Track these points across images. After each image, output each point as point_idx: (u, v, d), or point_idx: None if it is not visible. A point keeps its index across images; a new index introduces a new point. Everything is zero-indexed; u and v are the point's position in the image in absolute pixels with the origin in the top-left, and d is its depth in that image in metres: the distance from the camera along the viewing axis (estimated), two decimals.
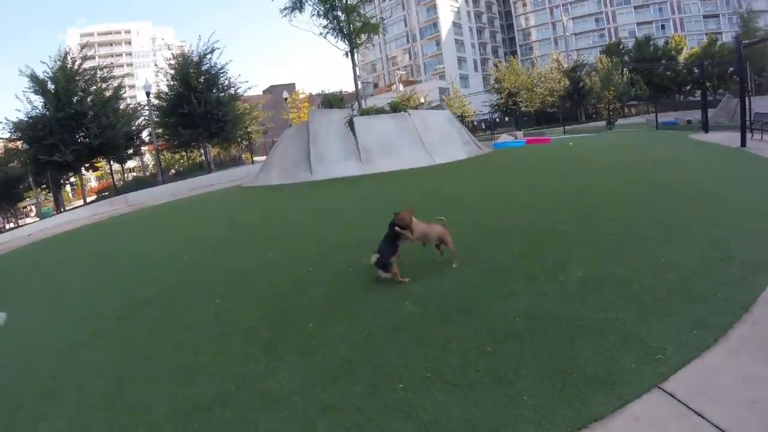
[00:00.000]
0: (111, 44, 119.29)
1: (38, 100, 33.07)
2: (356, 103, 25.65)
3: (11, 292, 9.60)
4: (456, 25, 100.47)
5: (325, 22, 25.93)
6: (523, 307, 4.67)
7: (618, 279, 5.07)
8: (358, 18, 25.60)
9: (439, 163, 20.53)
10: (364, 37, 26.15)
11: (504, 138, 33.23)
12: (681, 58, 67.46)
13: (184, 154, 48.09)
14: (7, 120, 32.77)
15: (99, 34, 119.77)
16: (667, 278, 4.95)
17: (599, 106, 62.68)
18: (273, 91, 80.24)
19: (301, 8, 25.82)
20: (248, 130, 45.98)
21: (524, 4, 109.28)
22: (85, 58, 35.97)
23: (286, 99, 53.02)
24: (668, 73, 67.47)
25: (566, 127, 47.57)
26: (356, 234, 8.80)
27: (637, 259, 5.64)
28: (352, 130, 21.61)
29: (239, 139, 45.76)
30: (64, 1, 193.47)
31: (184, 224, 14.90)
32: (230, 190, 23.92)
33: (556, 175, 13.81)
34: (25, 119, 32.88)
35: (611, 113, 54.81)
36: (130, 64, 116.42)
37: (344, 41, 25.93)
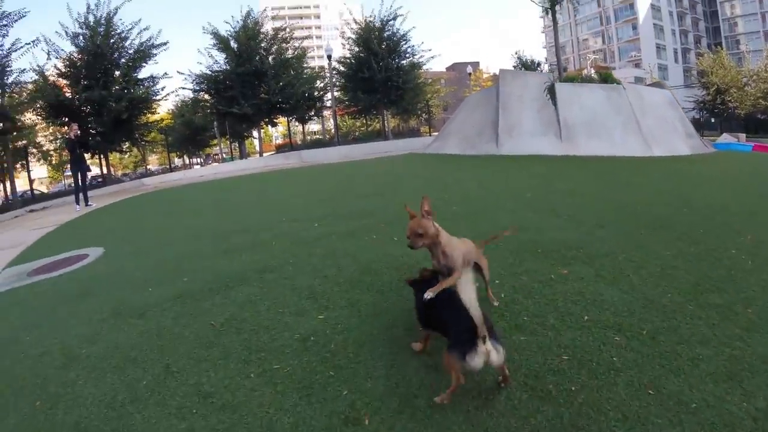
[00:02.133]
0: (301, 17, 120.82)
1: (219, 56, 33.77)
2: (556, 68, 21.05)
3: None
4: (654, 8, 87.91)
5: None
6: None
7: None
8: None
9: (658, 155, 15.39)
10: None
11: (725, 138, 27.02)
12: None
13: (363, 120, 46.58)
14: (191, 72, 33.53)
15: (289, 8, 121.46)
16: None
17: None
18: (456, 68, 77.97)
19: None
20: (428, 102, 43.55)
21: None
22: (268, 19, 36.77)
23: (470, 74, 49.85)
24: None
25: None
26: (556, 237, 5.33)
27: None
28: (553, 98, 17.02)
29: (419, 112, 43.60)
30: None
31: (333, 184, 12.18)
32: (399, 158, 20.44)
33: None
34: (208, 72, 33.57)
35: None
36: (318, 37, 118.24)
37: None
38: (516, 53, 22.05)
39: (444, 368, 2.57)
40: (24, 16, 22.03)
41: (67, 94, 26.19)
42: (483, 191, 9.20)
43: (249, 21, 33.75)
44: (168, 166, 40.05)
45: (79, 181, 15.73)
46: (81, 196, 15.70)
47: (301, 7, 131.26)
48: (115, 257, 6.78)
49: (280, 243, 6.08)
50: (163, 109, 51.00)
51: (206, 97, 35.14)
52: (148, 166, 55.08)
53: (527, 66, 20.02)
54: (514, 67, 21.69)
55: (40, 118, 27.72)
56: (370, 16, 37.04)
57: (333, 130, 43.45)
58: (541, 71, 20.33)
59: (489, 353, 2.35)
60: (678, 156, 15.87)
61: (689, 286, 3.98)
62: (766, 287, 3.95)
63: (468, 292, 2.36)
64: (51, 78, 26.01)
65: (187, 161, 61.90)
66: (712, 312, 3.49)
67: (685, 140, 18.37)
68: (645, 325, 3.27)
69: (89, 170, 19.12)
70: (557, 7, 21.60)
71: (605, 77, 19.52)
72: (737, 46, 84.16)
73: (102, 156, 29.48)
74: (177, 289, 4.63)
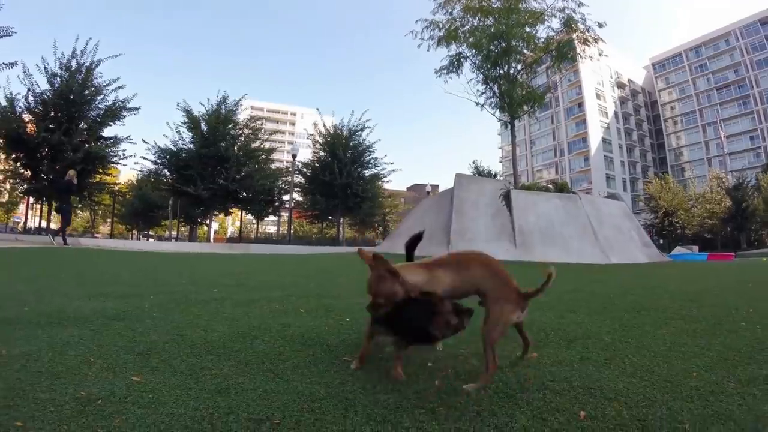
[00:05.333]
0: (277, 122, 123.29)
1: (187, 134, 33.36)
2: (512, 177, 20.64)
3: None
4: (605, 142, 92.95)
5: (482, 88, 21.75)
6: None
7: None
8: (521, 88, 20.93)
9: (615, 263, 14.44)
10: (526, 107, 21.25)
11: (679, 250, 26.80)
12: None
13: (319, 226, 46.40)
14: (155, 143, 32.71)
15: (268, 110, 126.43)
16: None
17: (762, 232, 53.43)
18: (416, 189, 79.23)
19: (458, 69, 21.60)
20: (386, 217, 43.26)
21: (675, 123, 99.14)
22: (243, 108, 36.49)
23: (428, 193, 50.16)
24: None
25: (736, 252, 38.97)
26: None
27: None
28: (508, 205, 16.19)
29: (375, 224, 43.03)
30: (240, 76, 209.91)
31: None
32: (344, 255, 18.83)
33: None
34: (172, 148, 32.90)
35: None
36: (291, 143, 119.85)
37: (503, 113, 21.44)
38: (473, 162, 21.86)
39: None
40: (9, 35, 21.26)
41: (28, 131, 25.31)
42: None
43: (223, 107, 33.64)
44: (110, 234, 38.67)
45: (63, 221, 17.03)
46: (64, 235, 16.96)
47: (279, 112, 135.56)
48: None
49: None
50: (124, 178, 49.79)
51: (165, 172, 34.05)
52: (96, 233, 52.91)
53: (483, 174, 19.37)
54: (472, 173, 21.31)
55: None
56: (340, 124, 37.48)
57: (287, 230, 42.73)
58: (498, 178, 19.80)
59: None
60: (637, 263, 15.12)
61: (713, 361, 2.93)
62: None
63: None
64: (17, 109, 25.29)
65: (135, 236, 59.30)
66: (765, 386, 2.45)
67: (642, 249, 17.86)
68: (682, 416, 2.05)
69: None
70: (516, 121, 21.62)
71: (561, 187, 19.04)
72: (683, 174, 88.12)
73: (46, 204, 28.16)
74: None
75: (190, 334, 3.25)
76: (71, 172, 17.30)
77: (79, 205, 36.40)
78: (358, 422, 1.88)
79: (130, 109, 27.87)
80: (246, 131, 35.55)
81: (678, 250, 27.51)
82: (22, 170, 27.34)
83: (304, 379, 2.40)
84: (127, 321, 3.57)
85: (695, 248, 30.48)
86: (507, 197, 16.38)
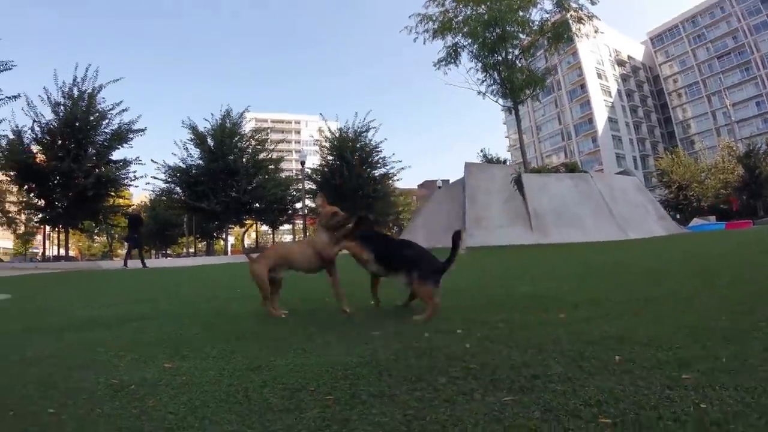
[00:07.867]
0: (282, 131, 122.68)
1: (194, 150, 33.70)
2: (522, 162, 20.49)
3: None
4: (612, 121, 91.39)
5: (482, 76, 21.62)
6: None
7: None
8: (521, 73, 20.85)
9: (633, 238, 14.28)
10: (528, 91, 21.15)
11: (697, 221, 26.49)
12: None
13: None
14: (165, 163, 32.84)
15: (272, 121, 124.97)
16: None
17: None
18: (427, 186, 79.02)
19: (456, 59, 21.58)
20: (400, 216, 43.30)
21: (679, 95, 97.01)
22: (247, 120, 36.89)
23: (439, 187, 50.13)
24: None
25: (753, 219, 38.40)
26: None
27: None
28: (520, 189, 16.14)
29: (389, 223, 42.98)
30: (244, 91, 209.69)
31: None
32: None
33: None
34: (182, 165, 33.25)
35: None
36: (298, 151, 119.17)
37: (506, 99, 21.37)
38: (481, 150, 21.80)
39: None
40: (9, 68, 21.57)
41: (38, 161, 25.87)
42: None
43: (227, 120, 33.88)
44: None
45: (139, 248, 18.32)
46: (128, 259, 18.30)
47: (283, 122, 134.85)
48: None
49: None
50: (137, 199, 50.54)
51: (177, 190, 34.14)
52: (114, 256, 53.71)
53: (492, 161, 19.34)
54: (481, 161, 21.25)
55: (8, 179, 27.54)
56: (345, 127, 37.40)
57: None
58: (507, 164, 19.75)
59: None
60: (655, 236, 14.87)
61: (737, 313, 2.76)
62: None
63: None
64: (25, 140, 25.76)
65: (154, 255, 60.10)
66: None
67: (659, 222, 17.74)
68: (721, 353, 1.98)
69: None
70: (519, 107, 21.60)
71: (572, 167, 18.97)
72: (692, 146, 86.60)
73: (63, 231, 28.67)
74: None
75: (221, 325, 3.33)
76: (135, 207, 18.02)
77: (96, 230, 36.89)
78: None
79: (136, 131, 28.21)
80: (252, 143, 35.70)
81: (696, 221, 27.32)
82: (36, 200, 27.78)
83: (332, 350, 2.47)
84: (147, 321, 3.70)
85: (712, 218, 30.26)
86: (518, 181, 16.32)
